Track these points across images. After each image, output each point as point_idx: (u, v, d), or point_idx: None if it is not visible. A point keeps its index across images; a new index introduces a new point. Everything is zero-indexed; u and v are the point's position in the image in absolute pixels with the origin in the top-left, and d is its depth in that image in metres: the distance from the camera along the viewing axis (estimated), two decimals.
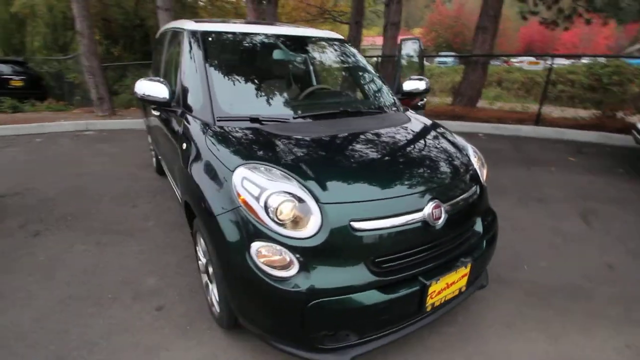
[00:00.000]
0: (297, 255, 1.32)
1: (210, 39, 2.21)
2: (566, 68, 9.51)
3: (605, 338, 1.84)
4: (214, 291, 1.76)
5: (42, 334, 1.81)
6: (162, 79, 2.08)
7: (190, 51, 2.14)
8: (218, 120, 1.80)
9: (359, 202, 1.40)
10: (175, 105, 2.09)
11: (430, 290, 1.45)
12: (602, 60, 6.51)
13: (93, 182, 3.80)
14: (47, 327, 1.85)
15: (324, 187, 1.40)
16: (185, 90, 2.07)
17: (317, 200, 1.36)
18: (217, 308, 1.76)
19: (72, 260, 2.44)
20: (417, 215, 1.45)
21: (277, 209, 1.34)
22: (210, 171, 1.58)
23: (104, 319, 1.92)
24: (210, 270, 1.74)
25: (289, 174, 1.43)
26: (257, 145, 1.62)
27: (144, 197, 3.43)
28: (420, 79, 2.74)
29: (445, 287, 1.52)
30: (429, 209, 1.47)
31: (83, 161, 4.54)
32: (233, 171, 1.47)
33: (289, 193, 1.36)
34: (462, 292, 1.64)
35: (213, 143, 1.65)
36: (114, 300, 2.06)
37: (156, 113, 2.60)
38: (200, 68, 2.01)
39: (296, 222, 1.34)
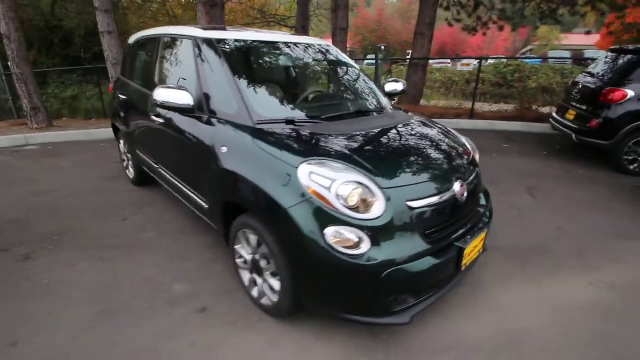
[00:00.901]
0: (368, 234, 1.54)
1: (227, 46, 2.29)
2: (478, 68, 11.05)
3: (572, 280, 2.37)
4: (269, 282, 1.88)
5: (89, 350, 1.76)
6: (182, 86, 2.11)
7: (207, 58, 2.21)
8: (257, 124, 1.93)
9: (410, 185, 1.68)
10: (199, 112, 2.14)
11: (465, 252, 1.78)
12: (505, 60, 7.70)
13: (61, 200, 3.49)
14: (91, 343, 1.80)
15: (381, 175, 1.65)
16: (208, 97, 2.13)
17: (379, 186, 1.60)
18: (272, 298, 1.89)
19: (82, 278, 2.32)
20: (450, 193, 1.77)
21: (347, 196, 1.54)
22: (269, 169, 1.72)
23: (149, 327, 1.91)
24: (264, 264, 1.87)
25: (349, 166, 1.64)
26: (309, 143, 1.80)
27: (129, 210, 3.28)
28: (397, 81, 3.12)
29: (472, 249, 1.87)
30: (457, 187, 1.80)
31: (37, 178, 4.10)
32: (297, 167, 1.63)
33: (356, 182, 1.57)
34: (480, 254, 2.01)
35: (266, 144, 1.79)
36: (151, 309, 2.05)
37: (159, 121, 2.56)
38: (227, 75, 2.10)
39: (364, 206, 1.56)
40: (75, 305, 2.06)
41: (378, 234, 1.55)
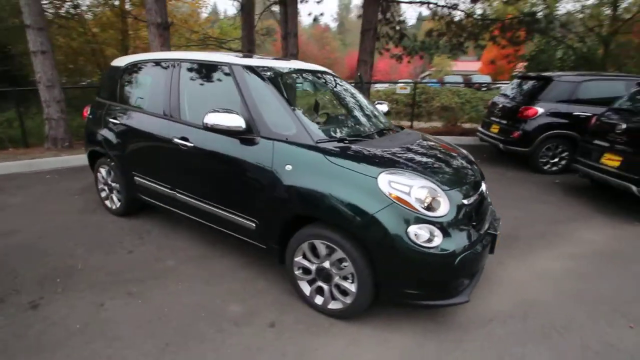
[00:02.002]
0: (440, 229, 1.86)
1: (267, 73, 2.45)
2: (390, 90, 12.57)
3: (546, 255, 3.02)
4: (342, 286, 2.05)
5: None
6: (232, 110, 2.21)
7: (254, 84, 2.34)
8: (318, 142, 2.13)
9: (460, 187, 2.07)
10: (248, 134, 2.24)
11: (497, 237, 2.23)
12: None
13: (36, 240, 3.05)
14: None
15: (439, 180, 2.00)
16: (259, 120, 2.24)
17: (442, 189, 1.95)
18: (346, 300, 2.06)
19: (121, 316, 2.15)
20: (479, 191, 2.21)
21: (424, 198, 1.86)
22: (348, 181, 1.93)
23: (229, 348, 1.91)
24: (335, 270, 2.04)
25: (417, 174, 1.96)
26: (375, 157, 2.07)
27: (129, 242, 3.04)
28: (382, 103, 3.58)
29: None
30: (483, 187, 2.26)
31: None
32: (377, 177, 1.89)
33: (428, 186, 1.90)
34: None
35: (340, 159, 2.01)
36: (220, 332, 2.03)
37: (187, 145, 2.53)
38: (279, 99, 2.28)
39: (435, 206, 1.89)
40: (133, 344, 1.93)
41: (447, 228, 1.89)
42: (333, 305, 2.14)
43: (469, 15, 8.40)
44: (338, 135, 2.29)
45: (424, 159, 2.27)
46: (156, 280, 2.51)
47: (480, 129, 6.62)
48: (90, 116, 3.49)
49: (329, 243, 2.03)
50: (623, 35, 8.03)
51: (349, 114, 2.74)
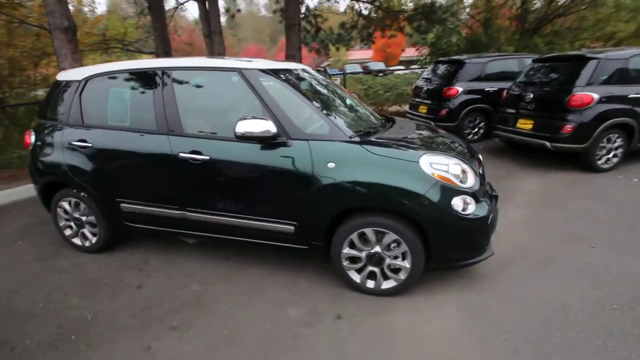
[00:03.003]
0: (472, 198, 2.19)
1: (283, 75, 2.44)
2: None
3: (507, 207, 3.67)
4: (397, 264, 2.24)
5: None
6: (263, 117, 2.17)
7: (274, 88, 2.32)
8: (351, 137, 2.25)
9: (471, 160, 2.43)
10: (278, 138, 2.23)
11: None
12: None
13: (11, 299, 2.48)
14: None
15: (461, 156, 2.32)
16: (287, 123, 2.24)
17: (467, 164, 2.27)
18: (401, 276, 2.27)
19: (180, 353, 1.97)
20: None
21: (459, 173, 2.16)
22: (391, 169, 2.12)
23: (315, 348, 1.96)
24: (387, 252, 2.23)
25: (446, 153, 2.25)
26: (408, 143, 2.30)
27: (131, 276, 2.70)
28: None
29: None
30: (481, 157, 2.68)
31: None
32: (418, 161, 2.12)
33: (459, 163, 2.20)
34: None
35: (380, 149, 2.18)
36: (296, 337, 2.05)
37: (199, 158, 2.36)
38: (305, 101, 2.33)
39: (466, 179, 2.20)
40: None
41: (477, 196, 2.22)
42: (386, 285, 2.33)
43: (379, 8, 9.15)
44: (359, 128, 2.43)
45: (438, 140, 2.58)
46: (193, 308, 2.33)
47: (409, 110, 7.39)
48: (38, 142, 2.90)
49: (379, 228, 2.19)
50: (496, 21, 9.75)
51: (350, 109, 2.88)
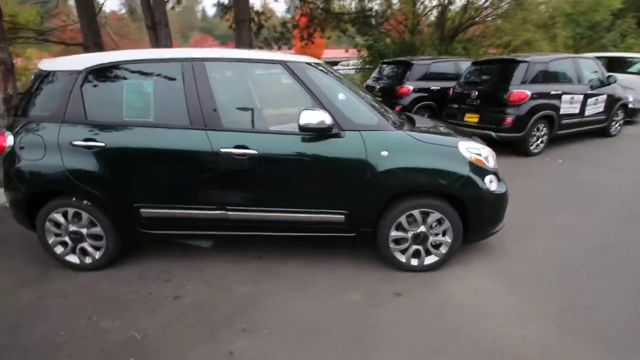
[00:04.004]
0: (495, 175, 2.56)
1: (322, 68, 2.47)
2: None
3: None
4: (440, 240, 2.50)
5: None
6: (318, 108, 2.21)
7: (324, 80, 2.38)
8: (396, 127, 2.43)
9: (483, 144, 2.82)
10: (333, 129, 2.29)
11: None
12: None
13: (16, 333, 2.05)
14: None
15: (480, 142, 2.68)
16: (337, 114, 2.30)
17: (488, 147, 2.63)
18: (442, 250, 2.53)
19: (265, 351, 1.92)
20: None
21: (488, 156, 2.51)
22: (437, 154, 2.37)
23: (395, 326, 2.10)
24: (430, 231, 2.46)
25: (472, 139, 2.57)
26: (442, 131, 2.56)
27: (161, 288, 2.44)
28: None
29: None
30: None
31: None
32: (457, 146, 2.40)
33: (485, 147, 2.55)
34: None
35: (426, 136, 2.42)
36: (371, 316, 2.16)
37: (246, 153, 2.27)
38: (350, 92, 2.41)
39: (490, 160, 2.56)
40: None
41: (497, 174, 2.60)
42: (429, 261, 2.57)
43: (323, 9, 9.44)
44: (394, 119, 2.62)
45: (457, 129, 2.92)
46: (252, 308, 2.25)
47: None
48: (20, 145, 2.41)
49: (426, 209, 2.42)
50: (420, 27, 10.89)
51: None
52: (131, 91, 2.42)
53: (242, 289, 2.46)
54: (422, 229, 2.48)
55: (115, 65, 2.40)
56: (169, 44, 6.67)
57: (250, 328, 2.08)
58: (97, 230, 2.54)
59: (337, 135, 2.31)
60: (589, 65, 6.03)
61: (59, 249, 2.61)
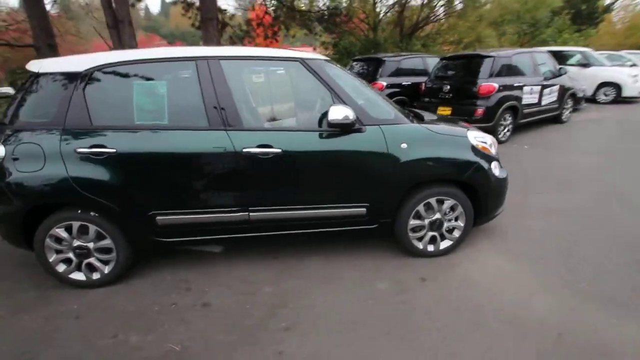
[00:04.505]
0: (497, 162, 2.76)
1: (337, 65, 2.48)
2: None
3: None
4: (453, 225, 2.65)
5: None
6: (341, 104, 2.24)
7: (341, 77, 2.40)
8: (411, 121, 2.53)
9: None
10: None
11: None
12: None
13: (40, 353, 1.85)
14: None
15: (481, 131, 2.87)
16: (357, 109, 2.34)
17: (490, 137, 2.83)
18: (455, 234, 2.69)
19: (312, 345, 1.93)
20: None
21: (491, 144, 2.70)
22: (450, 144, 2.52)
23: (431, 308, 2.21)
24: (445, 217, 2.60)
25: (475, 129, 2.75)
26: (451, 122, 2.72)
27: (184, 297, 2.33)
28: None
29: None
30: None
31: None
32: (467, 136, 2.56)
33: (489, 136, 2.74)
34: None
35: (439, 128, 2.55)
36: (404, 302, 2.24)
37: (270, 152, 2.24)
38: (367, 88, 2.46)
39: (493, 148, 2.75)
40: (379, 345, 1.87)
41: (499, 161, 2.81)
42: (443, 245, 2.71)
43: (287, 7, 9.37)
44: (405, 112, 2.72)
45: (455, 120, 3.08)
46: (287, 308, 2.24)
47: None
48: (13, 156, 2.17)
49: (442, 197, 2.56)
50: (381, 25, 11.24)
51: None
52: (142, 93, 2.27)
53: (267, 289, 2.43)
54: (438, 215, 2.61)
55: (121, 66, 2.24)
56: (134, 45, 6.27)
57: (292, 326, 2.08)
58: (107, 242, 2.37)
59: (358, 130, 2.35)
60: (543, 58, 6.62)
61: (60, 267, 2.40)
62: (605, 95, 9.28)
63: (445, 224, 2.65)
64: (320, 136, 2.33)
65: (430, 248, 2.70)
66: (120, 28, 6.12)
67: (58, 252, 2.36)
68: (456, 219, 2.66)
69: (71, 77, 2.21)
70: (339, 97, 2.35)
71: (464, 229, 2.68)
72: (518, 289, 2.35)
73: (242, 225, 2.44)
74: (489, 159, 2.63)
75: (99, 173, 2.20)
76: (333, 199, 2.46)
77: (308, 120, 2.48)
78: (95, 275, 2.45)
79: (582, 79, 8.38)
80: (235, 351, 1.92)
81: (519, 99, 5.99)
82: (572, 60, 9.78)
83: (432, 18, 11.62)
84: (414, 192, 2.54)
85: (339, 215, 2.49)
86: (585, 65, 9.32)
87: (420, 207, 2.56)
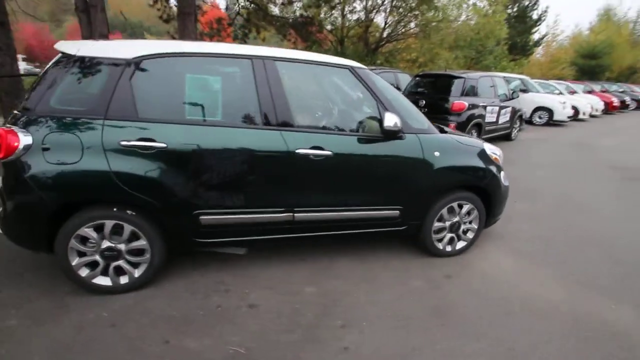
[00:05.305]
0: (503, 171, 3.12)
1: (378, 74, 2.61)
2: None
3: None
4: (469, 227, 2.92)
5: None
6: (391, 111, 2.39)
7: (384, 85, 2.52)
8: (440, 132, 2.76)
9: None
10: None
11: None
12: None
13: None
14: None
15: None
16: (401, 119, 2.49)
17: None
18: (469, 235, 2.96)
19: (373, 339, 2.02)
20: None
21: (500, 155, 3.05)
22: (473, 154, 2.80)
23: (468, 303, 2.41)
24: (463, 219, 2.87)
25: (486, 142, 3.09)
26: (464, 134, 2.97)
27: (226, 300, 2.24)
28: None
29: None
30: None
31: None
32: (483, 148, 2.87)
33: (498, 148, 3.08)
34: None
35: (462, 139, 2.83)
36: (442, 299, 2.42)
37: (321, 154, 2.29)
38: (403, 97, 2.62)
39: (501, 159, 3.11)
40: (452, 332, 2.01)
41: (503, 170, 3.17)
42: (459, 246, 2.98)
43: (260, 8, 9.29)
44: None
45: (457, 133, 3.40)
46: (337, 306, 2.29)
47: None
48: (46, 147, 1.92)
49: (462, 201, 2.82)
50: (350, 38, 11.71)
51: None
52: (195, 87, 2.18)
53: (309, 290, 2.45)
54: (457, 218, 2.87)
55: (173, 57, 2.13)
56: (105, 32, 5.78)
57: (349, 323, 2.13)
58: (141, 244, 2.20)
59: (400, 137, 2.52)
60: (500, 82, 7.49)
61: (84, 272, 2.17)
62: (540, 118, 10.72)
63: (462, 226, 2.92)
64: (367, 141, 2.45)
65: (448, 248, 2.94)
66: (92, 13, 5.61)
67: (81, 254, 2.14)
68: (471, 222, 2.94)
69: (117, 64, 2.05)
70: (383, 105, 2.49)
71: (477, 231, 2.98)
72: (529, 282, 2.67)
73: (284, 226, 2.44)
74: (499, 168, 2.97)
75: (145, 168, 2.06)
76: (372, 201, 2.58)
77: (352, 125, 2.58)
78: (123, 280, 2.26)
79: (523, 103, 9.59)
80: (302, 350, 1.92)
81: (483, 117, 6.69)
82: (511, 86, 11.12)
83: (393, 36, 12.42)
84: (440, 196, 2.76)
85: (375, 217, 2.62)
86: (524, 90, 10.67)
87: (444, 211, 2.80)
